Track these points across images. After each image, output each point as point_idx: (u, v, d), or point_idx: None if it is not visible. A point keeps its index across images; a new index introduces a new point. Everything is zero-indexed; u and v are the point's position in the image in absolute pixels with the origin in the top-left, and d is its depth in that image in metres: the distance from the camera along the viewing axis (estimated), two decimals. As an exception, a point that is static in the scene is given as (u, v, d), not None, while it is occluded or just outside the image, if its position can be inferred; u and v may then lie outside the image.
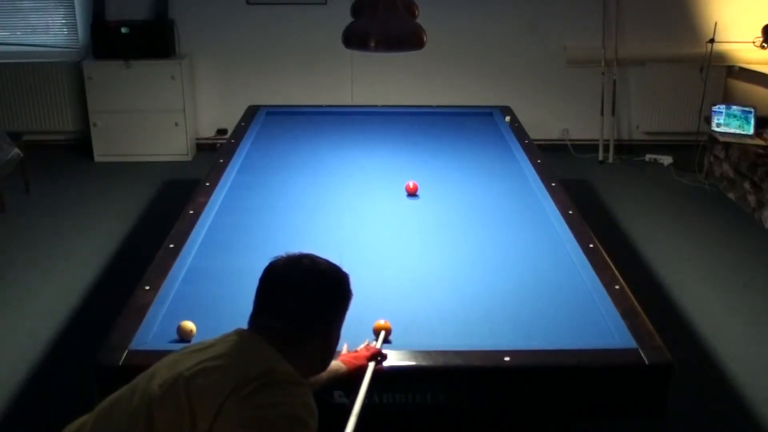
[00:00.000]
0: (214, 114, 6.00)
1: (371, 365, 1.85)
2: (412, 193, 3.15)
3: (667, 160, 5.76)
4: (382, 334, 2.00)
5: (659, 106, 6.02)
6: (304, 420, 1.33)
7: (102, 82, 5.59)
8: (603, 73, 5.88)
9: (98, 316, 3.24)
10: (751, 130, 5.06)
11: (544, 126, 5.91)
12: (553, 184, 3.20)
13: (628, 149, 6.05)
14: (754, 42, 5.69)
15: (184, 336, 2.00)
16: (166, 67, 5.59)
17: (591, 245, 2.58)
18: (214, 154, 4.02)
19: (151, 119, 5.68)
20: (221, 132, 5.94)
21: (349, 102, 5.84)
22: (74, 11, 5.84)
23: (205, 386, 1.32)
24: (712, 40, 5.60)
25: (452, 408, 1.93)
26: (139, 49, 5.54)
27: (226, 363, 1.37)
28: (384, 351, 1.92)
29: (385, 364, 1.90)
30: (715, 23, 5.63)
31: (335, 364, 1.77)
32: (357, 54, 4.50)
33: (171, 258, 2.47)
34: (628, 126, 6.17)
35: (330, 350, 1.56)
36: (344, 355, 1.87)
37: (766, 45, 5.58)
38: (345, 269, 1.57)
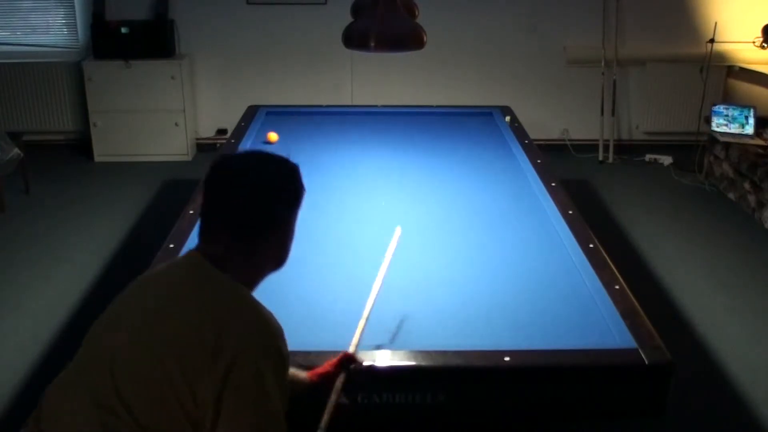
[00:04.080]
0: (214, 114, 6.00)
1: (342, 376, 1.73)
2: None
3: (667, 160, 5.76)
4: (356, 337, 1.85)
5: (659, 106, 6.02)
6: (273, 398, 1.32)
7: (102, 82, 5.59)
8: (603, 73, 5.88)
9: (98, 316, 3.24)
10: (751, 130, 5.06)
11: (544, 126, 5.91)
12: (553, 184, 3.19)
13: (628, 149, 6.05)
14: (754, 42, 5.70)
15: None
16: (166, 67, 5.60)
17: (591, 245, 2.58)
18: (214, 154, 4.02)
19: (151, 119, 5.68)
20: (221, 132, 5.94)
21: (349, 102, 5.85)
22: (74, 11, 5.84)
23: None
24: (712, 40, 5.60)
25: (452, 408, 1.93)
26: (139, 49, 5.54)
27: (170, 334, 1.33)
28: (360, 356, 1.80)
29: (385, 364, 1.89)
30: (715, 23, 5.64)
31: (301, 375, 1.71)
32: (357, 54, 4.51)
33: (171, 258, 2.47)
34: (628, 126, 6.18)
35: (286, 249, 1.50)
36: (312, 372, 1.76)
37: (766, 45, 5.58)
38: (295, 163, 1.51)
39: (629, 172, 5.67)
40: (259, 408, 1.29)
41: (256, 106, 4.62)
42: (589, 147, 6.00)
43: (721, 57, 5.78)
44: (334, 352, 1.86)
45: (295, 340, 1.63)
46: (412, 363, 1.91)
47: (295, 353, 1.75)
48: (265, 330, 1.36)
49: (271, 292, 2.23)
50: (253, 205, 1.41)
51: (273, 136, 3.87)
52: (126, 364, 1.32)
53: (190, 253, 1.45)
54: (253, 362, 1.29)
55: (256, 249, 1.43)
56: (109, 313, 1.45)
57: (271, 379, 1.30)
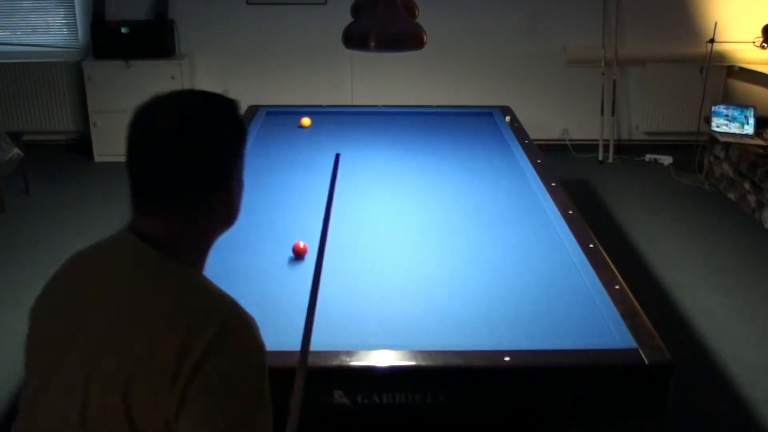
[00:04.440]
0: (214, 114, 5.99)
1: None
2: (299, 254, 2.55)
3: (667, 160, 5.77)
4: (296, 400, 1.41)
5: (659, 106, 6.02)
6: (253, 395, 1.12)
7: (102, 82, 5.59)
8: (603, 73, 5.88)
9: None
10: (751, 130, 5.06)
11: (544, 126, 5.91)
12: (553, 184, 3.19)
13: (628, 149, 6.05)
14: (754, 42, 5.70)
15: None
16: (166, 67, 5.60)
17: (591, 245, 2.58)
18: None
19: (151, 119, 5.67)
20: (221, 132, 5.93)
21: (349, 102, 5.85)
22: (74, 11, 5.84)
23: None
24: (712, 40, 5.60)
25: (452, 408, 1.93)
26: (139, 49, 5.55)
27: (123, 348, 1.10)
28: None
29: (385, 364, 1.89)
30: (715, 23, 5.64)
31: None
32: (357, 54, 4.51)
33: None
34: (628, 126, 6.18)
35: (236, 204, 1.27)
36: None
37: (766, 45, 5.58)
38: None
39: (629, 172, 5.67)
40: (232, 415, 1.08)
41: (256, 106, 4.62)
42: (589, 147, 6.00)
43: (721, 57, 5.78)
44: (332, 352, 1.87)
45: (296, 341, 1.63)
46: (412, 363, 1.91)
47: (294, 353, 1.75)
48: (233, 328, 1.13)
49: (270, 292, 2.24)
50: (193, 159, 1.15)
51: (306, 121, 4.10)
52: (88, 398, 1.12)
53: (126, 236, 1.18)
54: (221, 366, 1.08)
55: (203, 212, 1.20)
56: (45, 328, 1.25)
57: (244, 382, 1.10)
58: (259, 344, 1.15)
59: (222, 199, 1.21)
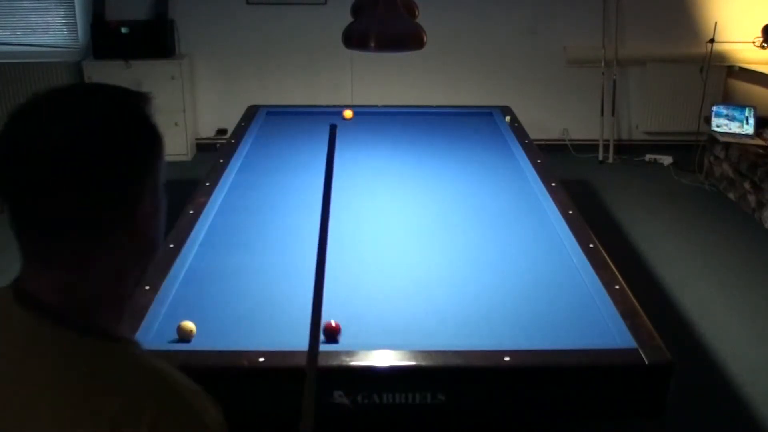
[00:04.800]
0: (214, 114, 6.00)
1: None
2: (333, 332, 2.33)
3: (667, 160, 5.77)
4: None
5: (659, 106, 6.02)
6: None
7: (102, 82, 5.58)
8: (603, 73, 5.88)
9: None
10: (751, 130, 5.06)
11: (544, 126, 5.91)
12: (553, 184, 3.20)
13: (628, 149, 6.05)
14: (754, 42, 5.70)
15: (183, 336, 2.00)
16: (166, 67, 5.60)
17: (591, 245, 2.58)
18: (214, 154, 4.02)
19: (151, 119, 5.67)
20: (221, 132, 5.94)
21: (349, 102, 5.84)
22: (74, 11, 5.84)
23: None
24: (712, 40, 5.60)
25: (452, 408, 1.93)
26: (139, 49, 5.54)
27: None
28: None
29: (385, 363, 1.89)
30: (715, 23, 5.64)
31: None
32: (357, 54, 4.51)
33: (171, 258, 2.47)
34: (628, 126, 6.18)
35: (153, 231, 0.95)
36: None
37: (766, 45, 5.58)
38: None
39: (629, 172, 5.67)
40: None
41: (256, 106, 4.62)
42: (589, 147, 6.00)
43: (721, 57, 5.78)
44: (332, 352, 1.88)
45: (296, 341, 1.63)
46: (412, 363, 1.91)
47: (294, 353, 1.75)
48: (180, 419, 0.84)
49: (270, 292, 2.24)
50: (87, 183, 0.84)
51: (348, 113, 4.18)
52: None
53: (13, 309, 0.92)
54: None
55: (108, 251, 0.89)
56: None
57: None
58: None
59: (133, 229, 0.91)
